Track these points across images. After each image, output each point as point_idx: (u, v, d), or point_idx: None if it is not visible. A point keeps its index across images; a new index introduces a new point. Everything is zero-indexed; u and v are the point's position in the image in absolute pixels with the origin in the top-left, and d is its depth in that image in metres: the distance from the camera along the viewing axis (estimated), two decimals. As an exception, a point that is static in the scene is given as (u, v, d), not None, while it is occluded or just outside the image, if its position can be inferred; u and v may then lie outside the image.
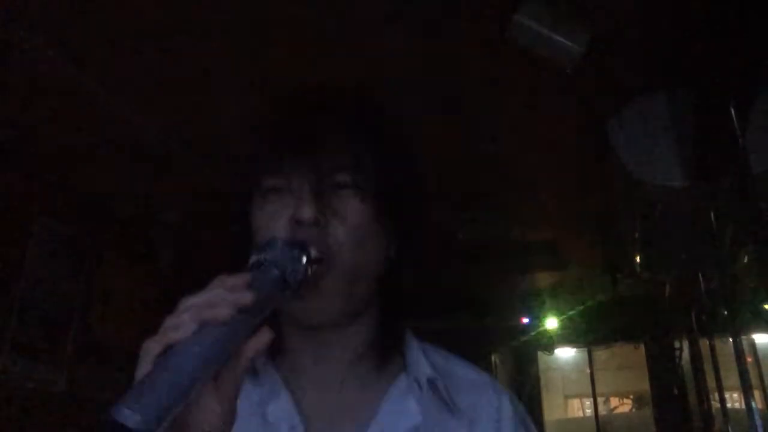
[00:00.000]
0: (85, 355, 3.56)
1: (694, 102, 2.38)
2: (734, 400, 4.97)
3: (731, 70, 2.08)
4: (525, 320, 5.84)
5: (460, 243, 3.97)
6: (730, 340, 2.94)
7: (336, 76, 2.44)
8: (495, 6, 2.13)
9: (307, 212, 0.67)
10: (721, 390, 3.82)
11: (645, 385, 6.07)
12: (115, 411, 0.44)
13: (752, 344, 5.11)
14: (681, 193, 2.49)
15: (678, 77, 2.44)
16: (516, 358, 6.39)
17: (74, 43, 2.32)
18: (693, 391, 5.17)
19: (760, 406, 3.92)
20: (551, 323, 5.74)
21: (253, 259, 0.62)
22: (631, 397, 8.90)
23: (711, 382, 4.09)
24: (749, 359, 3.74)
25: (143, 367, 0.51)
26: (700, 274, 3.39)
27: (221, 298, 0.54)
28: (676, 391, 5.42)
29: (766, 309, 4.40)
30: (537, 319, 5.76)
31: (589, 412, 8.18)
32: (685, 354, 5.19)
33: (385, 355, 0.75)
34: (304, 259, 0.63)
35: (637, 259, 3.42)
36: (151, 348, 0.52)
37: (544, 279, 5.06)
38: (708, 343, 3.93)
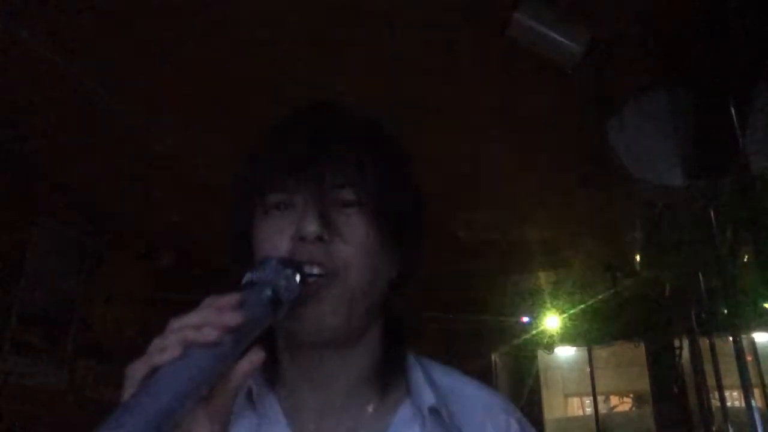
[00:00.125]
0: (85, 355, 3.57)
1: (694, 102, 2.38)
2: (734, 398, 4.98)
3: (731, 70, 2.08)
4: (525, 319, 5.84)
5: (460, 243, 3.97)
6: (730, 339, 2.95)
7: (336, 76, 2.45)
8: (495, 5, 2.13)
9: (311, 228, 0.66)
10: (720, 389, 3.82)
11: (645, 384, 6.08)
12: None
13: (752, 343, 5.11)
14: (681, 193, 2.49)
15: (678, 77, 2.44)
16: (516, 357, 6.40)
17: (74, 43, 2.32)
18: (693, 390, 5.17)
19: (759, 404, 3.92)
20: (551, 322, 5.74)
21: (247, 278, 0.61)
22: (631, 395, 8.90)
23: (711, 381, 4.09)
24: (749, 358, 3.74)
25: (128, 390, 0.50)
26: (700, 274, 3.39)
27: (209, 319, 0.53)
28: (675, 390, 5.43)
29: (766, 308, 4.40)
30: (537, 318, 5.77)
31: (589, 410, 8.18)
32: (685, 353, 5.20)
33: (387, 380, 0.73)
34: (298, 279, 0.62)
35: (637, 259, 3.43)
36: (137, 370, 0.51)
37: (544, 279, 5.06)
38: (708, 342, 3.93)
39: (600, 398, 7.63)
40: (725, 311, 3.17)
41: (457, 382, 0.77)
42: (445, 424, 0.71)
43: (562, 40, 2.12)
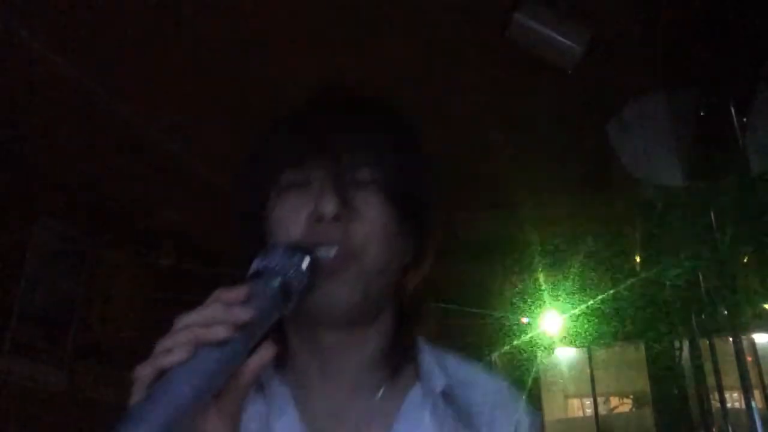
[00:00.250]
0: (85, 355, 3.56)
1: (694, 102, 2.38)
2: (734, 399, 4.97)
3: (731, 70, 2.08)
4: (525, 320, 5.84)
5: (459, 243, 3.97)
6: (730, 339, 2.94)
7: (336, 75, 2.45)
8: (495, 6, 2.13)
9: (329, 207, 0.64)
10: (721, 390, 3.81)
11: (645, 385, 6.07)
12: None
13: (752, 344, 5.11)
14: (681, 193, 2.49)
15: (678, 77, 2.44)
16: (516, 358, 6.39)
17: (74, 43, 2.32)
18: (693, 391, 5.17)
19: (760, 405, 3.92)
20: (551, 323, 5.74)
21: (254, 267, 0.59)
22: (631, 396, 8.89)
23: (711, 382, 4.09)
24: (749, 359, 3.74)
25: (137, 394, 0.48)
26: (700, 274, 3.39)
27: (218, 316, 0.51)
28: (676, 391, 5.42)
29: (766, 309, 4.40)
30: (537, 318, 5.76)
31: (589, 411, 8.18)
32: (685, 354, 5.19)
33: (398, 364, 0.72)
34: (305, 264, 0.60)
35: (637, 259, 3.42)
36: (145, 373, 0.49)
37: (544, 279, 5.06)
38: (708, 343, 3.92)
39: (600, 399, 7.62)
40: (725, 312, 3.17)
41: (467, 370, 0.77)
42: (455, 408, 0.70)
43: (562, 40, 2.12)
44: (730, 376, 3.31)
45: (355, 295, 0.66)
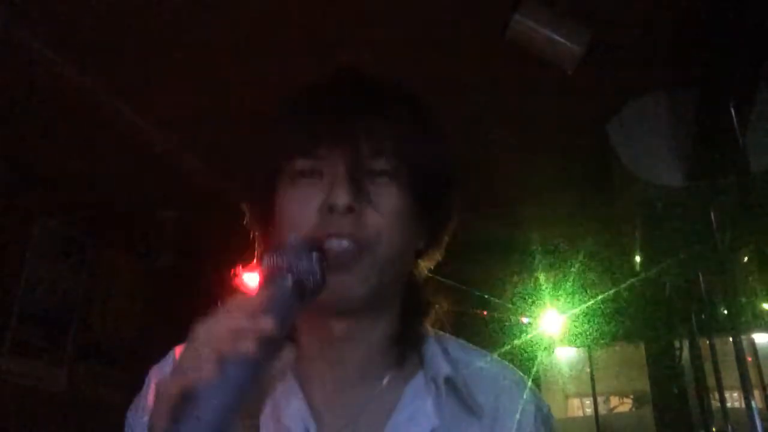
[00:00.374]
0: (85, 355, 3.57)
1: (694, 102, 2.38)
2: (734, 399, 4.96)
3: (731, 70, 2.08)
4: (525, 320, 5.83)
5: (459, 243, 3.97)
6: (730, 339, 2.94)
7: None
8: (495, 6, 2.13)
9: (343, 197, 0.63)
10: (721, 389, 3.81)
11: (645, 385, 6.06)
12: None
13: (752, 344, 5.10)
14: (681, 193, 2.49)
15: (678, 77, 2.44)
16: (515, 358, 6.39)
17: (74, 43, 2.32)
18: (693, 391, 5.16)
19: (760, 405, 3.92)
20: (551, 323, 5.73)
21: (265, 263, 0.56)
22: (631, 396, 8.89)
23: (711, 382, 4.09)
24: (749, 359, 3.74)
25: (162, 409, 0.47)
26: (700, 274, 3.39)
27: (244, 327, 0.48)
28: (675, 391, 5.41)
29: (766, 309, 4.40)
30: (537, 318, 5.76)
31: (589, 411, 8.18)
32: (685, 354, 5.19)
33: (404, 352, 0.71)
34: (316, 260, 0.58)
35: (637, 259, 3.42)
36: (169, 390, 0.47)
37: (544, 279, 5.06)
38: (708, 342, 3.92)
39: (600, 399, 7.62)
40: (725, 312, 3.17)
41: (471, 356, 0.76)
42: (459, 395, 0.70)
43: (562, 40, 2.12)
44: (730, 376, 3.31)
45: (368, 286, 0.65)
